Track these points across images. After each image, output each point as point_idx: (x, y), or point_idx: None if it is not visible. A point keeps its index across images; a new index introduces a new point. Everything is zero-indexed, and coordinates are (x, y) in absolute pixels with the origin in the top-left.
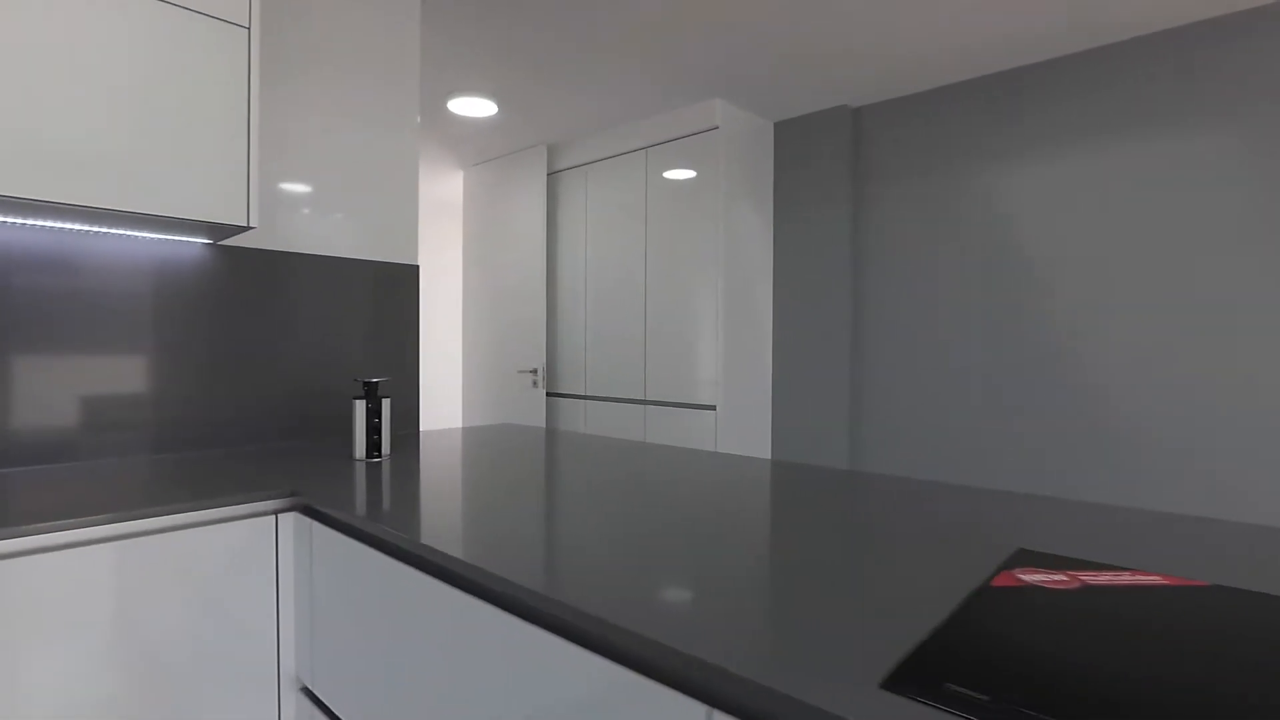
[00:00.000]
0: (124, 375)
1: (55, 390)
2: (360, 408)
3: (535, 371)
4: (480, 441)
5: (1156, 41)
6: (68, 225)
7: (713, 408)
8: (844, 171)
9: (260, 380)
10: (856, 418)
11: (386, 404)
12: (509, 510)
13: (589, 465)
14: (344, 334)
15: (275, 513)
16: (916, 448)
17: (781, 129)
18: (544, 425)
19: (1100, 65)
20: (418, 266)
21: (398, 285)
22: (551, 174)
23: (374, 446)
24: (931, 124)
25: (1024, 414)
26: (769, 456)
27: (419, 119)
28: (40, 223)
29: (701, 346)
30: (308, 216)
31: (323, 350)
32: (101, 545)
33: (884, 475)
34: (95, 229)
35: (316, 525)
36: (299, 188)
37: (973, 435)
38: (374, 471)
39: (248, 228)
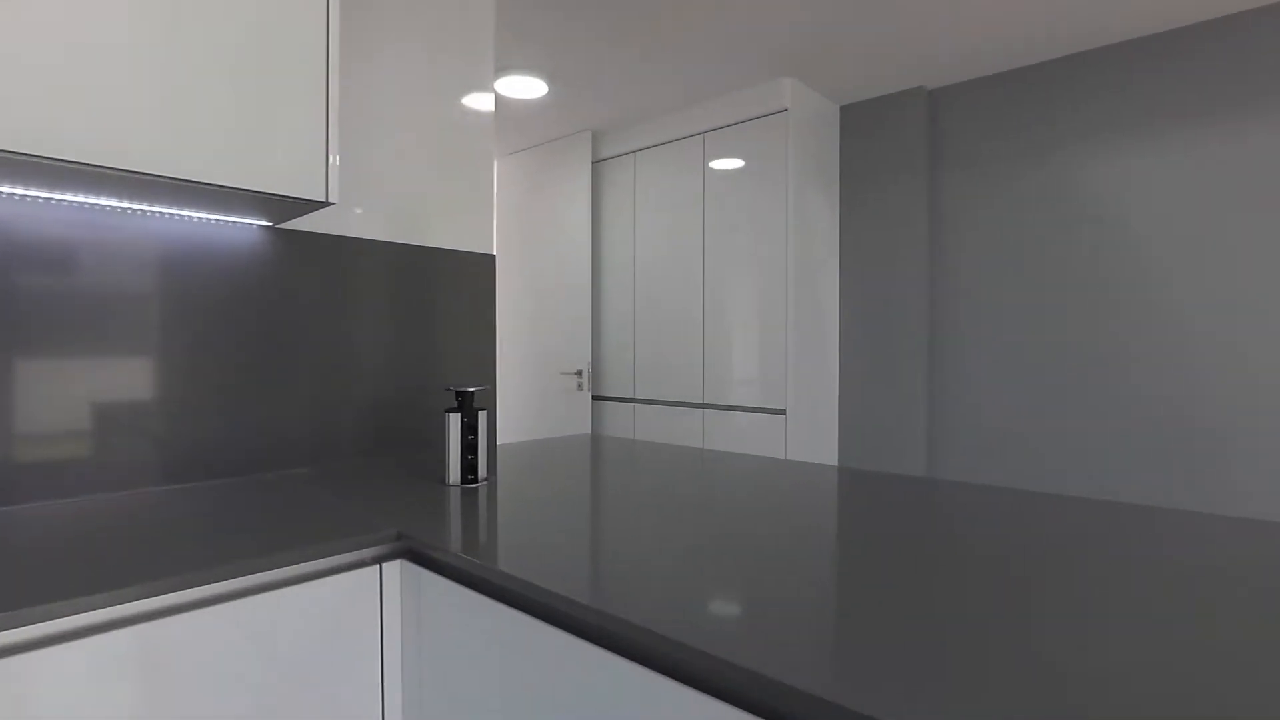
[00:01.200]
0: (159, 386)
1: (83, 406)
2: (454, 423)
3: (580, 373)
4: (572, 456)
5: (1261, 17)
6: (100, 201)
7: (782, 411)
8: (919, 158)
9: (323, 389)
10: (936, 421)
11: (484, 418)
12: (655, 548)
13: (718, 483)
14: (417, 334)
15: (378, 560)
16: (1001, 452)
17: (849, 113)
18: (589, 431)
19: (1199, 42)
20: (494, 257)
21: (475, 277)
22: (596, 162)
23: (469, 469)
24: (1013, 106)
25: (1117, 416)
26: (835, 463)
27: (495, 94)
28: (68, 198)
29: (769, 346)
30: (375, 198)
31: (394, 353)
32: (147, 624)
33: (995, 486)
34: (133, 206)
35: (427, 574)
36: (364, 166)
37: (1059, 439)
38: (477, 500)
39: (326, 203)
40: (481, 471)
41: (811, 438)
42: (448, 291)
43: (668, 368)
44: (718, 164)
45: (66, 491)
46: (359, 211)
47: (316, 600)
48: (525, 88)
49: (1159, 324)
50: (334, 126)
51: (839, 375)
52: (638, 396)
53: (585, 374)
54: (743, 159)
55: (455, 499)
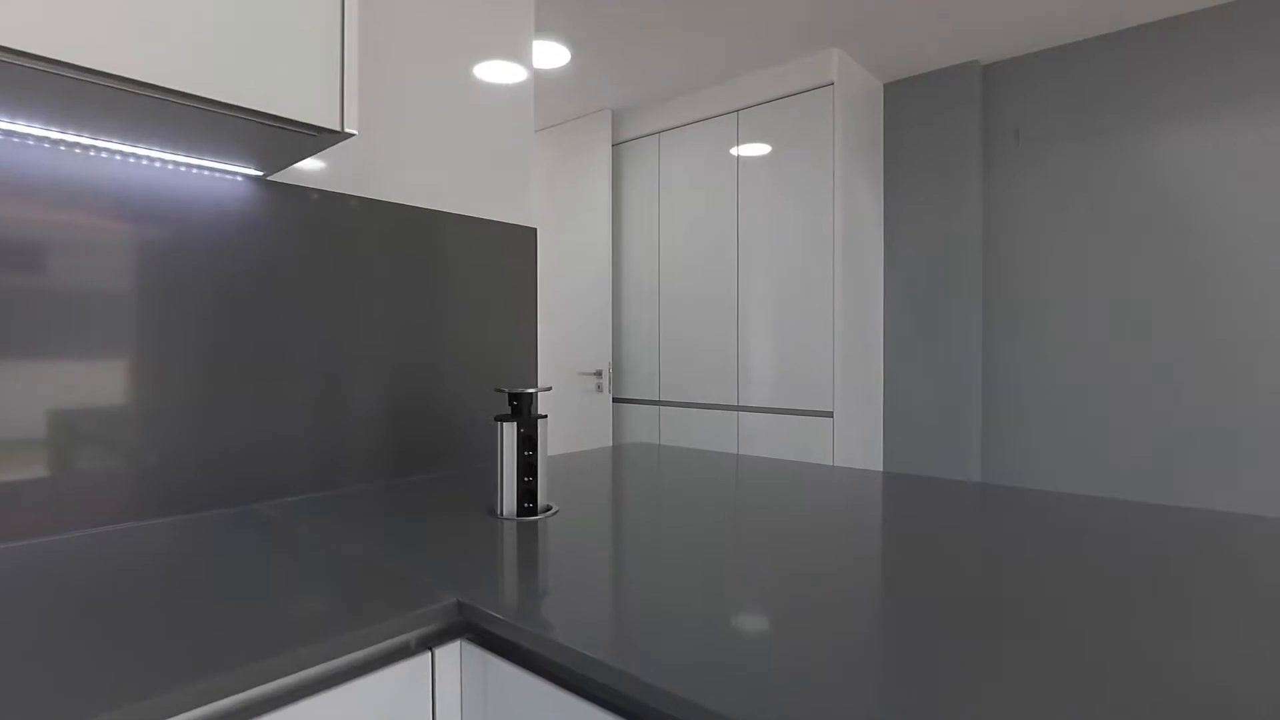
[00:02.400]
0: (121, 394)
1: (23, 419)
2: (509, 436)
3: (600, 374)
4: (626, 471)
5: None
6: (35, 131)
7: (829, 414)
8: (972, 139)
9: (329, 395)
10: (990, 422)
11: (545, 428)
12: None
13: (817, 499)
14: (446, 322)
15: (428, 644)
16: (1059, 455)
17: (895, 91)
18: (611, 435)
19: None
20: (535, 231)
21: (514, 254)
22: (616, 144)
23: (528, 495)
24: (1079, 83)
25: (1199, 416)
26: (881, 468)
27: (534, 41)
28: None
29: (814, 343)
30: (398, 155)
31: (417, 347)
32: None
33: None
34: (75, 139)
35: (498, 663)
36: (383, 113)
37: (1129, 441)
38: (544, 541)
39: (342, 134)
40: (542, 498)
41: (860, 442)
42: (482, 270)
43: (697, 368)
44: (753, 145)
45: (2, 534)
46: (362, 171)
47: (342, 714)
48: (546, 55)
49: (1246, 317)
50: (352, 43)
51: (883, 373)
52: (663, 399)
53: (605, 374)
54: (783, 139)
55: (514, 540)
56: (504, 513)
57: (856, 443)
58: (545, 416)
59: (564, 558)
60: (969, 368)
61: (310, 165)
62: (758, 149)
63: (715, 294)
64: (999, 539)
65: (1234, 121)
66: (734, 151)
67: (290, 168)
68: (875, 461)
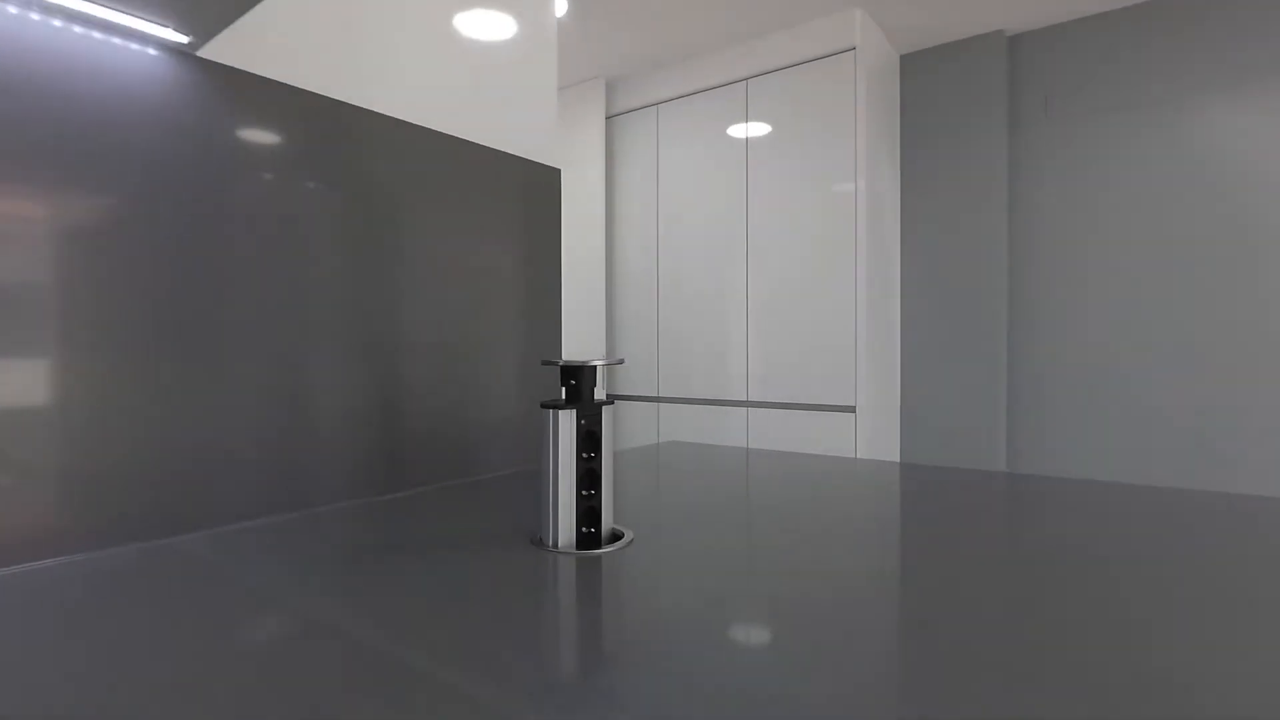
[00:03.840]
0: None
1: None
2: (566, 430)
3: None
4: (690, 474)
5: None
6: None
7: (851, 409)
8: (997, 114)
9: (291, 372)
10: (1016, 412)
11: (610, 417)
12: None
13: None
14: (454, 280)
15: None
16: (1098, 448)
17: (913, 62)
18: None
19: None
20: (559, 172)
21: (538, 200)
22: (610, 117)
23: (589, 517)
24: (1112, 54)
25: (1241, 407)
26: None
27: None
28: None
29: (834, 332)
30: (394, 56)
31: (417, 309)
32: None
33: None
34: None
35: None
36: (385, 11)
37: (1162, 431)
38: (632, 591)
39: None
40: (607, 521)
41: (884, 437)
42: (499, 217)
43: (701, 363)
44: (764, 118)
45: None
46: (351, 74)
47: None
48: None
49: None
50: None
51: (901, 361)
52: (662, 395)
53: (600, 369)
54: (798, 112)
55: (591, 593)
56: (557, 543)
57: (881, 438)
58: (612, 402)
59: (684, 629)
60: (994, 357)
61: (273, 50)
62: (769, 122)
63: (722, 282)
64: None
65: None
66: (742, 125)
67: (249, 57)
68: (895, 456)
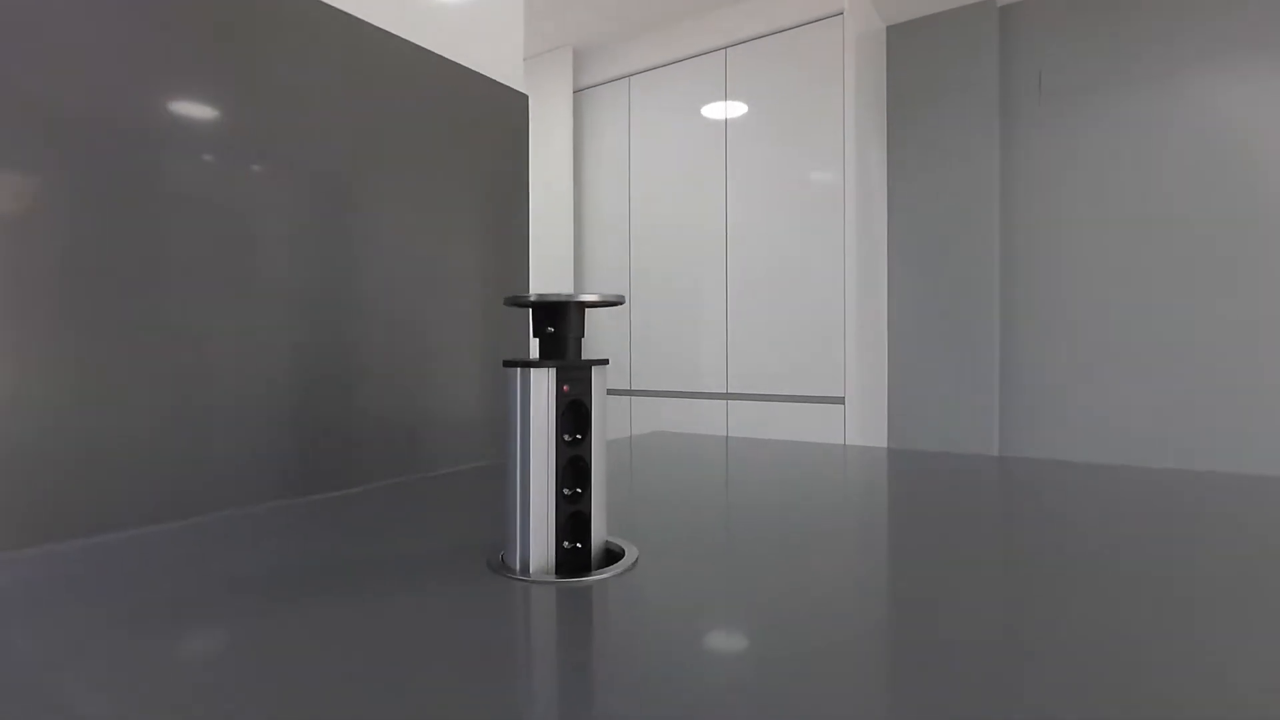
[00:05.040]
0: None
1: None
2: (539, 397)
3: None
4: (687, 467)
5: None
6: None
7: (840, 400)
8: (988, 88)
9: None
10: (1009, 403)
11: (602, 383)
12: None
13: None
14: (389, 220)
15: None
16: (1096, 437)
17: (899, 35)
18: None
19: None
20: (528, 99)
21: (501, 128)
22: (578, 91)
23: (576, 526)
24: (1109, 23)
25: (1245, 393)
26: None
27: None
28: None
29: (821, 320)
30: None
31: (341, 254)
32: None
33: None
34: None
35: None
36: None
37: (1166, 421)
38: (626, 642)
39: None
40: (599, 532)
41: (873, 429)
42: (454, 143)
43: (677, 354)
44: (746, 90)
45: None
46: None
47: None
48: None
49: None
50: None
51: (888, 350)
52: (635, 389)
53: None
54: (781, 84)
55: (563, 657)
56: (527, 566)
57: (870, 430)
58: (606, 361)
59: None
60: (986, 345)
61: None
62: (750, 96)
63: (699, 266)
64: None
65: None
66: (721, 99)
67: None
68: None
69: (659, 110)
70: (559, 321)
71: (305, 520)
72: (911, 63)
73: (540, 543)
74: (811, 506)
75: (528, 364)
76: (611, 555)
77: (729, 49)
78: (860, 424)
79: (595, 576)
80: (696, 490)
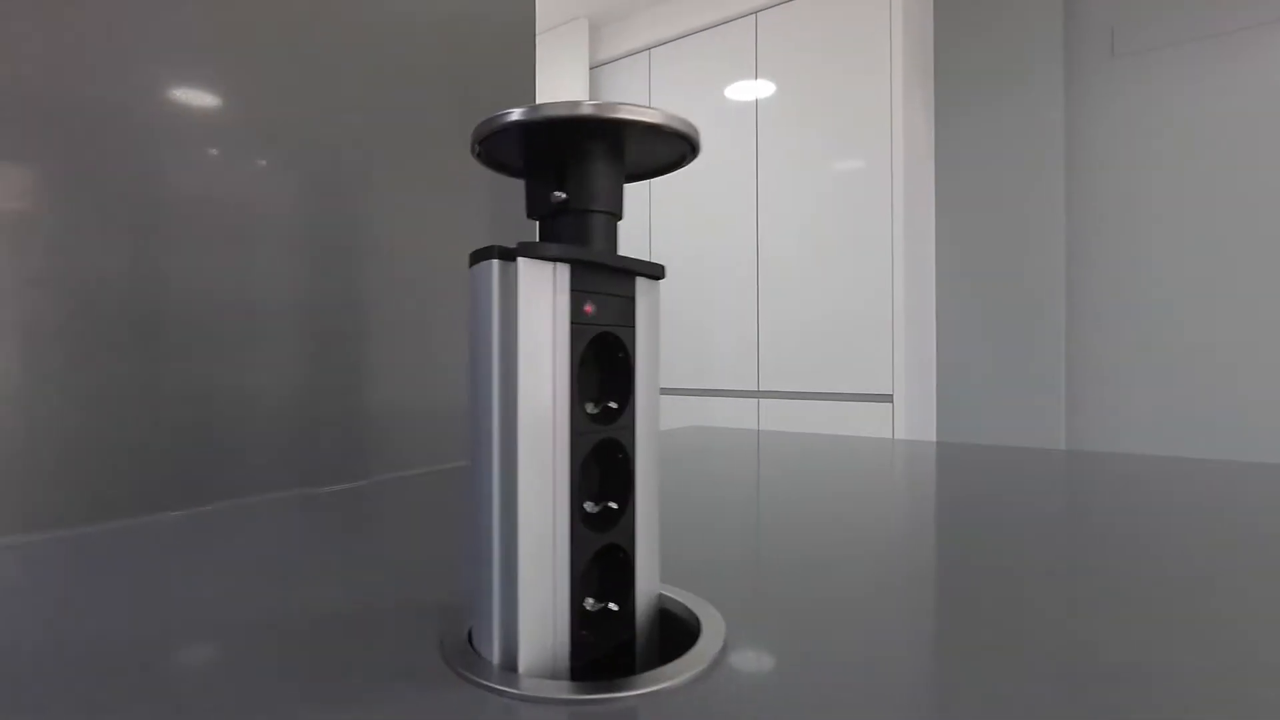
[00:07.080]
0: None
1: None
2: (541, 318)
3: None
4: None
5: None
6: None
7: (888, 398)
8: (1052, 49)
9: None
10: (1076, 403)
11: (654, 307)
12: None
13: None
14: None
15: None
16: (1171, 429)
17: None
18: None
19: None
20: (534, 35)
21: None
22: (595, 67)
23: (617, 583)
24: None
25: None
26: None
27: None
28: None
29: (866, 311)
30: None
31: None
32: None
33: None
34: None
35: None
36: None
37: (1249, 408)
38: None
39: None
40: (648, 584)
41: (921, 429)
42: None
43: (702, 348)
44: (779, 60)
45: None
46: None
47: None
48: None
49: None
50: None
51: (936, 343)
52: (660, 384)
53: None
54: (819, 48)
55: None
56: (514, 660)
57: (919, 430)
58: (661, 270)
59: None
60: (1050, 335)
61: None
62: (784, 67)
63: (727, 256)
64: None
65: None
66: (751, 71)
67: None
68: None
69: (683, 85)
70: (583, 171)
71: (179, 541)
72: (964, 25)
73: (539, 609)
74: (955, 523)
75: (512, 252)
76: (674, 627)
77: (759, 13)
78: (910, 425)
79: (651, 686)
80: (781, 504)
